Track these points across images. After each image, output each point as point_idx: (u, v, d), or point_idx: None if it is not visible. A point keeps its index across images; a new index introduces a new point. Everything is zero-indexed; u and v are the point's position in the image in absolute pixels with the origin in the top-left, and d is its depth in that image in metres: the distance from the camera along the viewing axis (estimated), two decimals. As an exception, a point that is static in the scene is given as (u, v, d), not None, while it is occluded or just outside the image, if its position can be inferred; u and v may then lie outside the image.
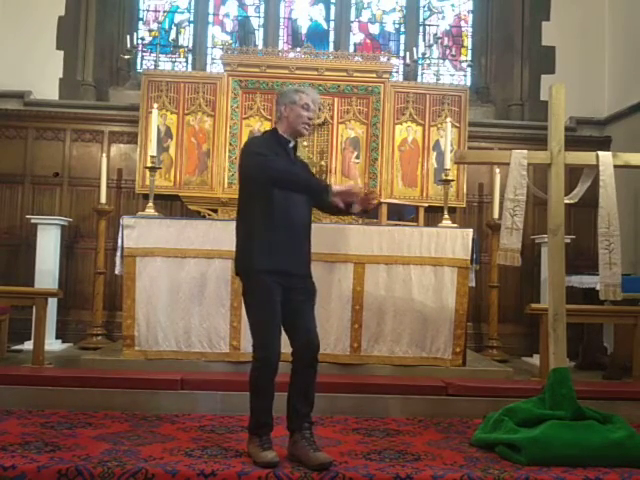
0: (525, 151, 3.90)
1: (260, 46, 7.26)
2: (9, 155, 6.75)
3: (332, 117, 6.67)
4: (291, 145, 3.36)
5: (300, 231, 3.33)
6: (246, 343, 4.62)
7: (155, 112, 5.78)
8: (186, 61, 7.48)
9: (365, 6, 7.67)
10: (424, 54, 7.42)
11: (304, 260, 3.37)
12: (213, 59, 7.42)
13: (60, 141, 6.83)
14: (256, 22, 7.56)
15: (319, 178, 3.29)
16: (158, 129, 5.98)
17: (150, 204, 5.57)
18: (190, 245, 4.71)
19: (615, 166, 3.85)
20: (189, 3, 7.52)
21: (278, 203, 3.20)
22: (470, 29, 7.68)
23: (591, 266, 5.69)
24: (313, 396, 3.33)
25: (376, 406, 4.21)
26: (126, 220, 4.79)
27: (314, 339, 3.33)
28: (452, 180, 6.08)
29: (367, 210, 3.49)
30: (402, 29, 7.65)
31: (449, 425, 4.02)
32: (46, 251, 6.13)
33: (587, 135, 7.01)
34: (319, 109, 3.32)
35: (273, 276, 3.18)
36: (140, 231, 4.75)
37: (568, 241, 5.79)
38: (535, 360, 5.75)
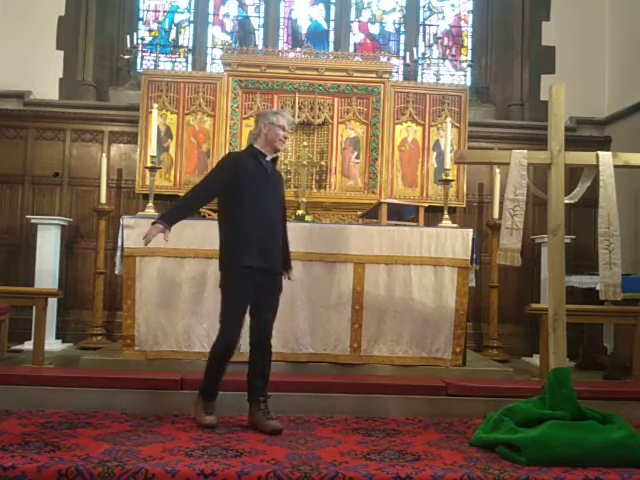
0: (525, 151, 3.90)
1: (260, 46, 7.26)
2: (9, 155, 6.75)
3: (332, 117, 6.67)
4: (268, 159, 3.84)
5: (272, 230, 3.79)
6: (245, 343, 4.62)
7: (155, 112, 5.79)
8: (186, 61, 7.48)
9: (365, 6, 7.67)
10: (424, 54, 7.42)
11: (276, 257, 3.82)
12: (213, 59, 7.42)
13: (60, 141, 6.83)
14: (256, 22, 7.57)
15: (175, 211, 3.83)
16: (158, 129, 5.99)
17: (150, 204, 5.57)
18: (190, 245, 4.71)
19: (615, 166, 3.85)
20: (189, 3, 7.52)
21: (249, 206, 3.69)
22: (470, 29, 7.68)
23: (591, 266, 5.70)
24: (268, 374, 3.84)
25: (376, 406, 4.21)
26: (126, 220, 4.78)
27: (269, 328, 3.82)
28: (452, 180, 6.08)
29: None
30: (402, 29, 7.66)
31: (449, 425, 4.01)
32: (46, 251, 6.13)
33: (587, 135, 7.02)
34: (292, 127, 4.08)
35: (247, 272, 3.65)
36: (140, 231, 4.72)
37: (568, 241, 5.79)
38: (535, 360, 5.75)
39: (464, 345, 4.87)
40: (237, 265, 3.66)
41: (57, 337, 6.23)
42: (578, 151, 4.04)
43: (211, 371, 3.79)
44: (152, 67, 6.87)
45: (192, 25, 7.51)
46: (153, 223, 3.68)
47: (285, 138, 3.86)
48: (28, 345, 5.54)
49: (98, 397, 4.10)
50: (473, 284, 5.05)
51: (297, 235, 4.65)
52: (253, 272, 3.66)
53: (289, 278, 4.06)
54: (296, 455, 3.21)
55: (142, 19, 7.50)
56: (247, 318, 3.80)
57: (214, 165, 3.99)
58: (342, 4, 7.51)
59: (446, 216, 5.74)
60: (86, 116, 6.82)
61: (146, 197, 5.93)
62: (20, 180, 6.75)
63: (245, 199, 3.69)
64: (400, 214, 5.40)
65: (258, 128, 3.88)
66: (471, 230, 4.94)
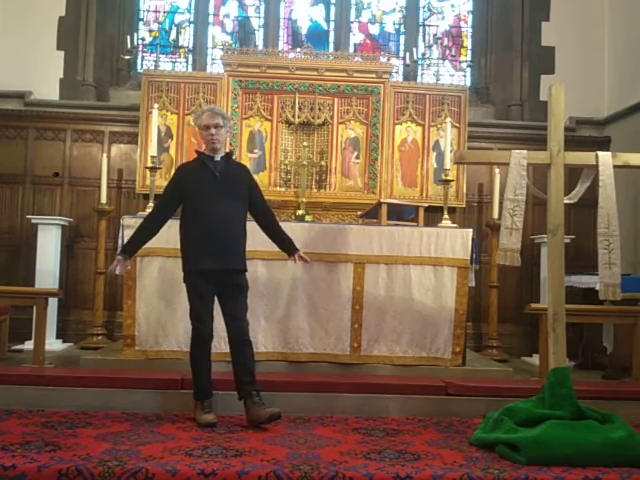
0: (525, 151, 3.90)
1: (260, 46, 7.27)
2: (9, 155, 6.76)
3: (332, 117, 6.68)
4: (217, 159, 3.91)
5: (225, 230, 3.82)
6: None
7: (155, 112, 5.79)
8: (186, 61, 7.49)
9: (365, 6, 7.68)
10: (424, 54, 7.44)
11: (233, 256, 3.86)
12: (213, 59, 7.43)
13: (61, 141, 6.84)
14: (256, 22, 7.57)
15: (132, 240, 3.99)
16: (158, 129, 6.00)
17: (150, 204, 5.57)
18: (190, 245, 4.71)
19: (615, 166, 3.85)
20: (189, 3, 7.53)
21: (196, 211, 3.81)
22: (470, 29, 7.68)
23: (591, 266, 5.70)
24: (253, 368, 3.87)
25: (376, 406, 4.21)
26: (126, 220, 4.79)
27: (241, 324, 3.87)
28: (452, 180, 6.09)
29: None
30: (402, 29, 7.66)
31: (449, 425, 4.02)
32: (46, 251, 6.13)
33: (587, 135, 7.02)
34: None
35: (202, 275, 3.78)
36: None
37: (568, 241, 5.80)
38: (535, 360, 5.75)
39: (464, 345, 4.87)
40: (192, 269, 3.82)
41: (57, 337, 6.24)
42: (578, 151, 4.04)
43: (194, 371, 3.88)
44: (152, 67, 6.88)
45: (192, 25, 7.51)
46: (117, 254, 3.90)
47: (212, 136, 3.86)
48: (28, 345, 5.55)
49: (98, 397, 4.11)
50: (473, 284, 5.06)
51: (297, 235, 4.65)
52: (209, 274, 3.78)
53: (304, 260, 4.07)
54: (296, 455, 3.21)
55: (142, 19, 7.50)
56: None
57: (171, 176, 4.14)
58: (342, 4, 7.52)
59: (446, 216, 5.75)
60: (86, 116, 6.83)
61: (146, 197, 5.93)
62: (21, 180, 6.76)
63: (192, 206, 3.82)
64: (400, 214, 5.41)
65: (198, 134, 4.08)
66: (471, 230, 4.95)
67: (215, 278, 3.81)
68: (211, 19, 7.53)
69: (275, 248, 4.17)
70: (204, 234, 3.78)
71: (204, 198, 3.80)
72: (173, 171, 6.43)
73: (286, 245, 4.09)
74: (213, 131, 3.85)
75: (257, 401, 3.76)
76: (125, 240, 4.71)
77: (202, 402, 3.83)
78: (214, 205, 3.79)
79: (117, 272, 3.90)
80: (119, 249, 3.95)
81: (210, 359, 3.88)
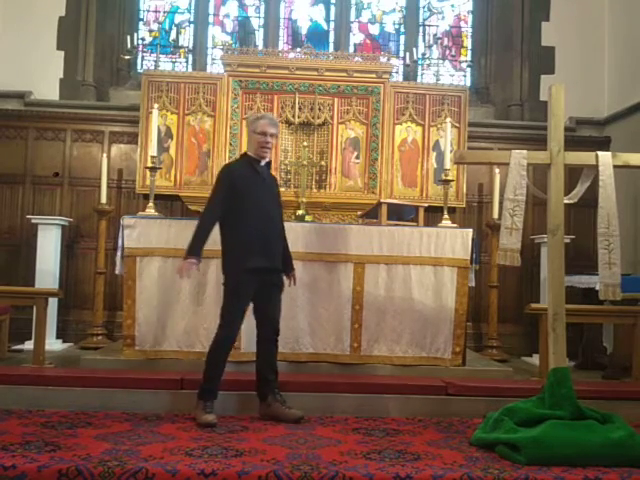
0: (525, 151, 3.90)
1: (260, 46, 7.27)
2: (9, 155, 6.76)
3: (332, 117, 6.68)
4: (262, 164, 4.00)
5: (271, 230, 3.94)
6: (246, 343, 4.64)
7: (155, 112, 5.79)
8: (186, 61, 7.49)
9: (365, 6, 7.68)
10: (424, 54, 7.44)
11: (277, 256, 3.98)
12: (213, 59, 7.43)
13: (61, 141, 6.84)
14: (256, 22, 7.58)
15: (198, 242, 3.90)
16: (158, 129, 5.99)
17: (150, 204, 5.57)
18: (190, 245, 4.71)
19: (614, 166, 3.85)
20: (189, 3, 7.53)
21: (249, 211, 3.85)
22: (470, 29, 7.68)
23: (591, 266, 5.70)
24: (276, 366, 4.04)
25: (376, 406, 4.21)
26: (126, 220, 4.79)
27: (277, 325, 4.03)
28: (452, 180, 6.09)
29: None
30: (402, 29, 7.66)
31: (449, 425, 4.02)
32: (46, 251, 6.14)
33: (587, 135, 7.02)
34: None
35: (251, 273, 3.83)
36: (140, 231, 4.75)
37: (568, 241, 5.80)
38: (535, 360, 5.75)
39: (464, 345, 4.87)
40: (241, 268, 3.83)
41: (57, 337, 6.24)
42: (578, 151, 4.04)
43: (210, 370, 3.88)
44: (152, 67, 6.88)
45: (192, 25, 7.51)
46: (185, 258, 3.87)
47: (267, 143, 3.95)
48: (28, 345, 5.55)
49: (98, 397, 4.11)
50: (473, 284, 5.06)
51: (297, 235, 4.66)
52: (257, 272, 3.83)
53: (294, 282, 4.18)
54: (296, 455, 3.21)
55: (142, 19, 7.51)
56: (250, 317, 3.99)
57: (214, 181, 4.17)
58: (342, 4, 7.51)
59: (446, 216, 5.75)
60: (86, 116, 6.83)
61: (146, 197, 5.93)
62: (21, 180, 6.76)
63: (245, 206, 3.86)
64: (400, 214, 5.40)
65: (249, 136, 4.13)
66: (471, 230, 4.95)
67: (261, 277, 3.86)
68: (211, 19, 7.53)
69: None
70: (254, 234, 3.85)
71: (253, 199, 3.88)
72: (173, 171, 6.58)
73: (287, 263, 4.14)
74: (269, 139, 3.95)
75: (279, 399, 3.93)
76: (125, 240, 4.73)
77: (205, 402, 3.84)
78: (262, 207, 3.91)
79: (187, 277, 3.98)
80: (186, 253, 3.85)
81: (226, 362, 3.93)
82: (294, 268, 4.20)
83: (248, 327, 4.66)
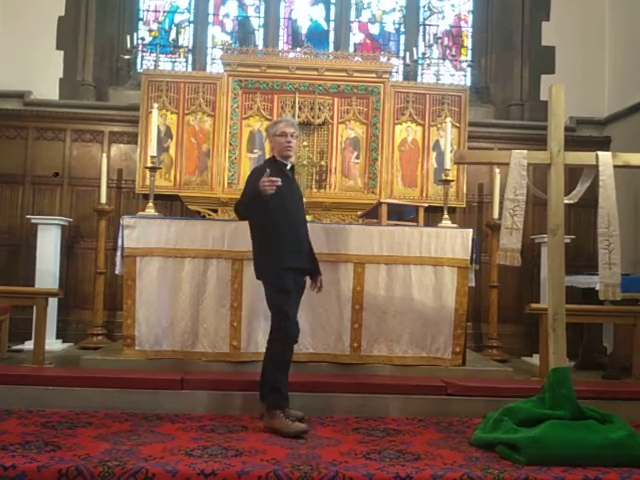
0: (525, 151, 3.90)
1: (260, 46, 7.26)
2: (9, 155, 6.75)
3: (332, 117, 6.68)
4: (288, 167, 4.03)
5: (301, 232, 3.99)
6: (246, 343, 4.64)
7: (155, 112, 5.79)
8: (186, 61, 7.49)
9: (365, 6, 7.67)
10: (424, 54, 7.43)
11: (306, 257, 4.02)
12: (213, 59, 7.42)
13: (60, 141, 6.84)
14: (256, 22, 7.57)
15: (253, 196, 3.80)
16: (158, 129, 5.99)
17: (150, 204, 5.57)
18: (190, 245, 4.72)
19: (615, 166, 3.85)
20: (189, 3, 7.52)
21: (282, 213, 3.84)
22: (470, 29, 7.68)
23: (591, 266, 5.70)
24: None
25: (376, 406, 4.21)
26: (126, 220, 4.79)
27: (297, 327, 3.91)
28: (452, 180, 6.08)
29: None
30: (402, 29, 7.66)
31: (449, 425, 4.02)
32: (46, 251, 6.13)
33: (587, 135, 7.02)
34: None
35: (289, 272, 3.84)
36: (140, 231, 4.75)
37: (568, 241, 5.79)
38: (535, 360, 5.75)
39: (464, 345, 4.87)
40: (281, 267, 3.83)
41: (57, 337, 6.23)
42: (578, 151, 4.04)
43: (282, 375, 3.75)
44: (152, 67, 6.87)
45: (192, 25, 7.51)
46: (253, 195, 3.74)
47: (289, 143, 3.97)
48: (28, 345, 5.54)
49: (98, 397, 4.11)
50: (473, 284, 5.05)
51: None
52: (293, 271, 3.87)
53: (319, 288, 4.16)
54: (296, 455, 3.21)
55: (142, 19, 7.50)
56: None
57: (244, 183, 4.11)
58: (342, 4, 7.51)
59: (446, 216, 5.74)
60: (86, 116, 6.82)
61: (146, 197, 5.93)
62: (20, 180, 6.76)
63: (278, 207, 3.83)
64: (400, 214, 5.40)
65: (271, 142, 4.13)
66: (471, 230, 4.94)
67: (295, 277, 3.89)
68: (211, 19, 7.52)
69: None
70: (292, 233, 3.88)
71: (287, 200, 3.89)
72: (173, 171, 6.57)
73: (315, 263, 4.16)
74: (290, 139, 3.97)
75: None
76: (125, 240, 4.73)
77: (284, 410, 3.71)
78: (295, 207, 3.98)
79: (272, 191, 3.67)
80: (254, 192, 3.69)
81: None
82: (321, 272, 4.18)
83: (248, 327, 4.68)
